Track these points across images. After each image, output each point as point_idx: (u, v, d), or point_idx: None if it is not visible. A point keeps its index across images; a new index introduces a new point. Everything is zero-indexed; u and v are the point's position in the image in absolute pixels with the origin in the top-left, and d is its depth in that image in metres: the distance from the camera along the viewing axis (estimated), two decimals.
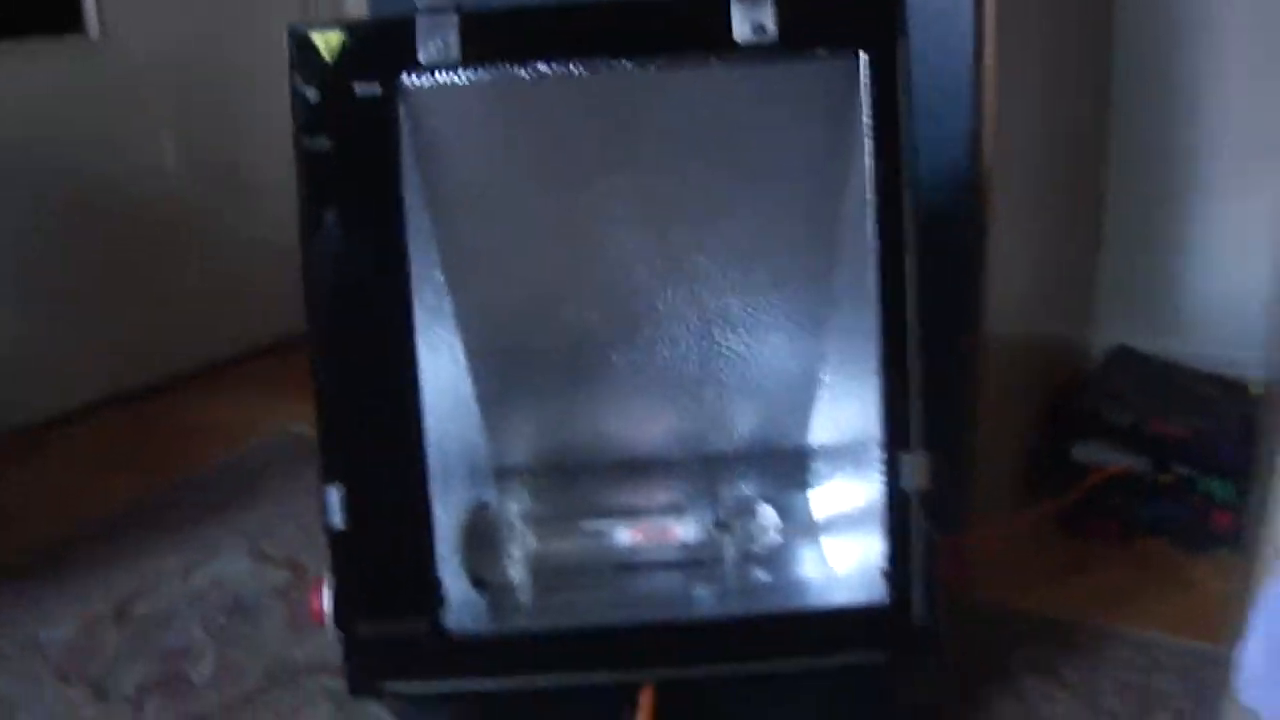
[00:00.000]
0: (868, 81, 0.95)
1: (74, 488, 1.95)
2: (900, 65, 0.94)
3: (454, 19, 0.93)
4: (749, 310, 1.11)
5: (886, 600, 1.00)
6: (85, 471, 2.03)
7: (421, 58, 0.93)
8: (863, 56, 0.94)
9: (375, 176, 0.96)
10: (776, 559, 1.15)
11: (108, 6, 2.22)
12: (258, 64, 2.50)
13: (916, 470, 0.98)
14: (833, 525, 1.16)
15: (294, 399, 2.28)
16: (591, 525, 1.16)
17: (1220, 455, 1.45)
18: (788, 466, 1.20)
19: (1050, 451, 1.57)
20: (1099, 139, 1.78)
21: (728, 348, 1.14)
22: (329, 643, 1.37)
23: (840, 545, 1.14)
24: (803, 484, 1.20)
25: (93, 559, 1.66)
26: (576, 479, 1.21)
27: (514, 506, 1.17)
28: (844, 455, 1.15)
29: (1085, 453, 1.52)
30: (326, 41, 0.94)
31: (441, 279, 1.05)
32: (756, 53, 0.94)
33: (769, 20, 0.93)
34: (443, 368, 1.06)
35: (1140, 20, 1.75)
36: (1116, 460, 1.50)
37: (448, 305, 1.08)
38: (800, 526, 1.17)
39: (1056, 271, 1.71)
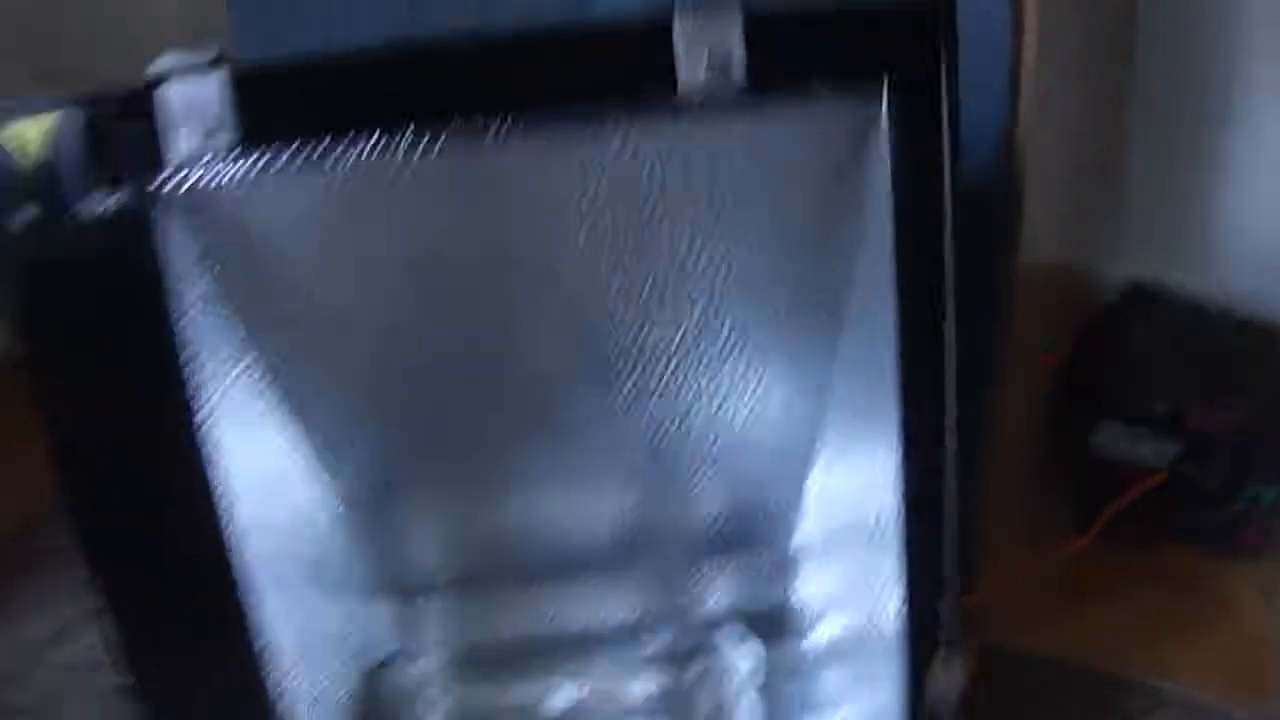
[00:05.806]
0: (889, 127, 0.62)
1: None
2: (940, 103, 0.61)
3: (222, 80, 0.57)
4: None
5: None
6: None
7: (170, 153, 0.57)
8: (884, 95, 0.61)
9: (119, 307, 0.62)
10: (760, 704, 0.90)
11: None
12: None
13: (951, 677, 0.72)
14: (832, 655, 0.91)
15: None
16: (524, 684, 0.89)
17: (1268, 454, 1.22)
18: (772, 568, 0.94)
19: (1065, 428, 1.32)
20: (1127, 40, 1.44)
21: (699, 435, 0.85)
22: None
23: (838, 681, 0.89)
24: (790, 589, 0.94)
25: None
26: (499, 604, 0.93)
27: (421, 661, 0.90)
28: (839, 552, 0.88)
29: (1106, 441, 1.28)
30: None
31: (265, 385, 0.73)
32: (713, 102, 0.59)
33: (735, 50, 0.58)
34: (292, 503, 0.76)
35: None
36: (1140, 450, 1.26)
37: (297, 427, 0.76)
38: (791, 659, 0.91)
39: (1079, 192, 1.40)
